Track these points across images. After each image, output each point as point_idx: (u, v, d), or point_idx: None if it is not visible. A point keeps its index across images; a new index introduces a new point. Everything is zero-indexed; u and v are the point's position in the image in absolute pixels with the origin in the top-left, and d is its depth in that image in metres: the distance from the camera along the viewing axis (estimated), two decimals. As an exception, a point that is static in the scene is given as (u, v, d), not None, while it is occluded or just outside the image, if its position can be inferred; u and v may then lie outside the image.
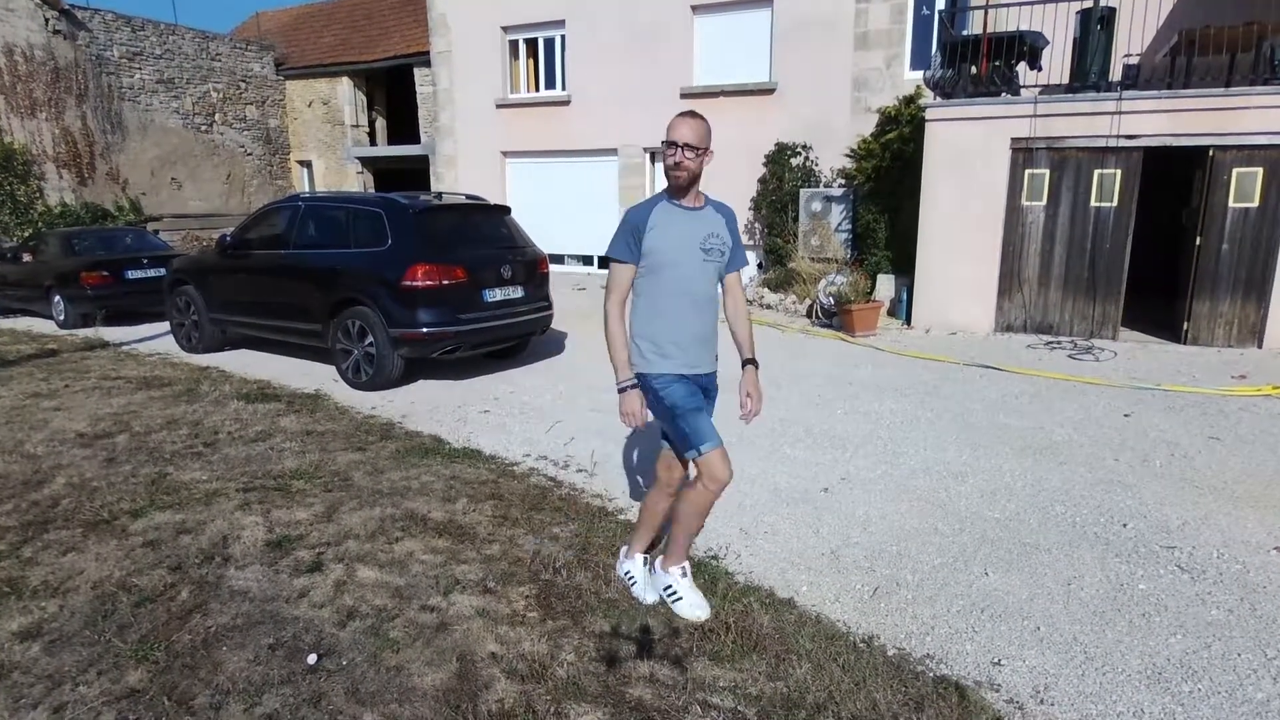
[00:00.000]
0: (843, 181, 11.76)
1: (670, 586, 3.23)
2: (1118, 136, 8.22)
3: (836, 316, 9.51)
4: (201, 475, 4.77)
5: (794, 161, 12.36)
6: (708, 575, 3.53)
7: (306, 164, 20.31)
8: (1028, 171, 8.74)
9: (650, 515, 3.31)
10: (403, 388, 7.03)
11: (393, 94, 20.33)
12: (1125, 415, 5.96)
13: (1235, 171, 7.96)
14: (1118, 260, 8.52)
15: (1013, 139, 8.71)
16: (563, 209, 15.50)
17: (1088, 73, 8.49)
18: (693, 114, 2.87)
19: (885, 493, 4.55)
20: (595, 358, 7.89)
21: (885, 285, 10.24)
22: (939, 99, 9.20)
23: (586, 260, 15.88)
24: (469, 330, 6.90)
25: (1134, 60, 8.98)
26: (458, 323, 6.83)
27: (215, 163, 18.61)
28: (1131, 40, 9.13)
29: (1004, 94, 8.93)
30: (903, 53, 11.96)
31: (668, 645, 3.00)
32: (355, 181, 19.67)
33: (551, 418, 6.07)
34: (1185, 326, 8.38)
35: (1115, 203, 8.42)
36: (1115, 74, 8.75)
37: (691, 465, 3.05)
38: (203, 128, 18.24)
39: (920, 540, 3.94)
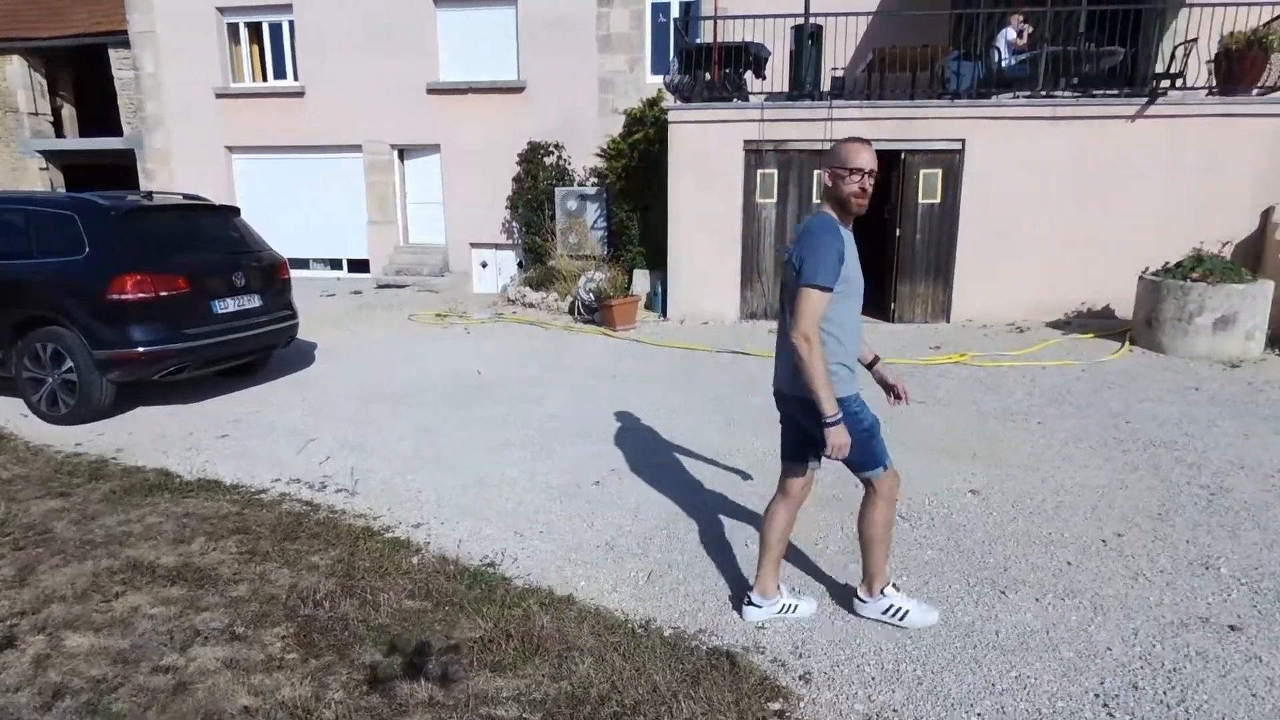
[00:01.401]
0: (596, 180, 12.08)
1: (891, 606, 3.15)
2: (830, 141, 9.24)
3: (598, 312, 9.75)
4: None
5: (548, 160, 12.47)
6: (484, 584, 3.44)
7: (-32, 158, 16.89)
8: (759, 171, 9.55)
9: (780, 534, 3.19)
10: (116, 418, 6.09)
11: (84, 78, 17.52)
12: (851, 388, 6.72)
13: (922, 172, 9.29)
14: (837, 251, 9.58)
15: (745, 141, 9.46)
16: (303, 209, 14.35)
17: (803, 82, 9.44)
18: (867, 141, 2.84)
19: (654, 479, 4.73)
20: (349, 367, 7.40)
21: (641, 280, 10.67)
22: (678, 102, 9.75)
23: (335, 264, 14.84)
24: (196, 347, 6.14)
25: (840, 73, 10.14)
26: (182, 339, 6.04)
27: None
28: (837, 55, 10.30)
29: (735, 99, 9.67)
30: (644, 57, 12.53)
31: (446, 664, 2.87)
32: (39, 180, 16.71)
33: (303, 436, 5.58)
34: (892, 307, 9.64)
35: (832, 200, 9.46)
36: (826, 84, 9.82)
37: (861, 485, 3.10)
38: None
39: (688, 521, 4.14)
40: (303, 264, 14.32)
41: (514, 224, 13.00)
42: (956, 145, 9.15)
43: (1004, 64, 9.47)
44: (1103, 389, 6.60)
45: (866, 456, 2.96)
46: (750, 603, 3.21)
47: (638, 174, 10.99)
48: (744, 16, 9.76)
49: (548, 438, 5.49)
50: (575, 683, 2.77)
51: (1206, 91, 8.98)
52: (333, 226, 14.36)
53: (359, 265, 14.52)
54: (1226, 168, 8.72)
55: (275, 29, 14.08)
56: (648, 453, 5.20)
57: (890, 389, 3.25)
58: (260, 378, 7.22)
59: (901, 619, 3.13)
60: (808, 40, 9.36)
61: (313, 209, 14.37)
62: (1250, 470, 4.79)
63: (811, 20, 9.32)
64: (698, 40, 10.64)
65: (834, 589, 3.46)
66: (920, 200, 9.37)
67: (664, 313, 10.13)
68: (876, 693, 2.76)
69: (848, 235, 2.90)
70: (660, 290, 10.25)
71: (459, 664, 2.87)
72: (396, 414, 6.08)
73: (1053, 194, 9.05)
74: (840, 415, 2.78)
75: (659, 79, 11.53)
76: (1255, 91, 8.69)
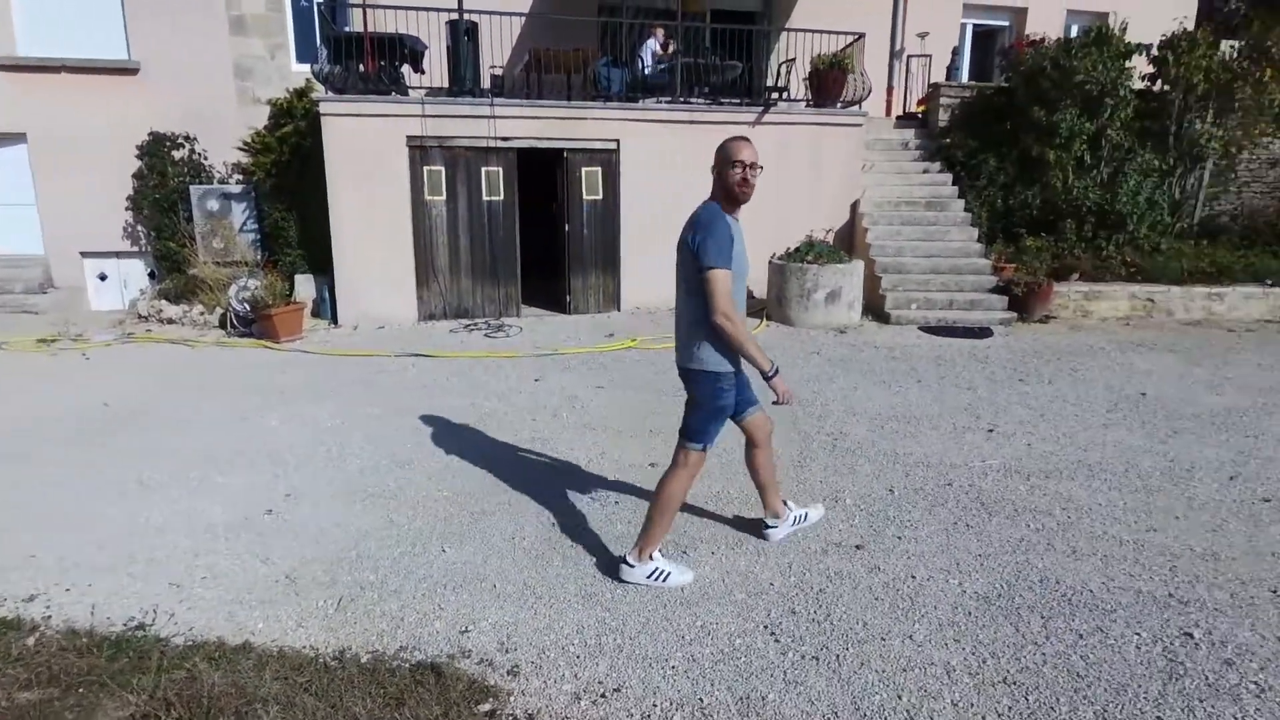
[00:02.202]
0: (241, 177, 10.81)
1: (657, 570, 3.38)
2: (495, 138, 9.32)
3: (256, 323, 8.77)
4: None
5: (177, 154, 10.87)
6: (132, 651, 2.92)
7: None
8: (426, 168, 9.30)
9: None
10: None
11: None
12: (536, 380, 6.87)
13: (583, 170, 9.78)
14: (510, 247, 9.72)
15: (408, 137, 9.14)
16: None
17: (464, 79, 9.38)
18: (745, 138, 3.19)
19: (335, 499, 4.38)
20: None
21: (306, 285, 9.82)
22: (331, 94, 9.10)
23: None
24: None
25: (499, 71, 10.26)
26: None
27: None
28: (495, 53, 10.39)
29: (394, 93, 9.29)
30: (286, 43, 11.46)
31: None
32: None
33: None
34: (568, 299, 10.05)
35: (502, 196, 9.56)
36: (487, 82, 9.86)
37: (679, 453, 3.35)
38: None
39: (378, 537, 3.91)
40: None
41: (140, 228, 11.14)
42: (612, 145, 9.77)
43: (648, 71, 10.32)
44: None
45: (702, 429, 3.30)
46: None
47: (290, 170, 10.06)
48: (395, 7, 9.40)
49: (205, 468, 4.81)
50: (260, 738, 2.46)
51: (805, 103, 10.66)
52: None
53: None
54: (825, 167, 10.45)
55: None
56: (326, 471, 4.81)
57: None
58: None
59: (664, 580, 3.38)
60: (464, 36, 9.31)
61: None
62: (859, 416, 5.82)
63: (466, 17, 9.28)
64: (346, 29, 10.02)
65: (543, 581, 3.51)
66: (585, 197, 9.86)
67: (335, 319, 9.43)
68: (582, 669, 2.85)
69: (735, 223, 3.18)
70: (328, 295, 9.52)
71: (104, 753, 2.40)
72: (-11, 466, 4.88)
73: (697, 190, 10.01)
74: (777, 367, 3.20)
75: (306, 68, 10.65)
76: (839, 104, 10.52)
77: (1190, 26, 11.16)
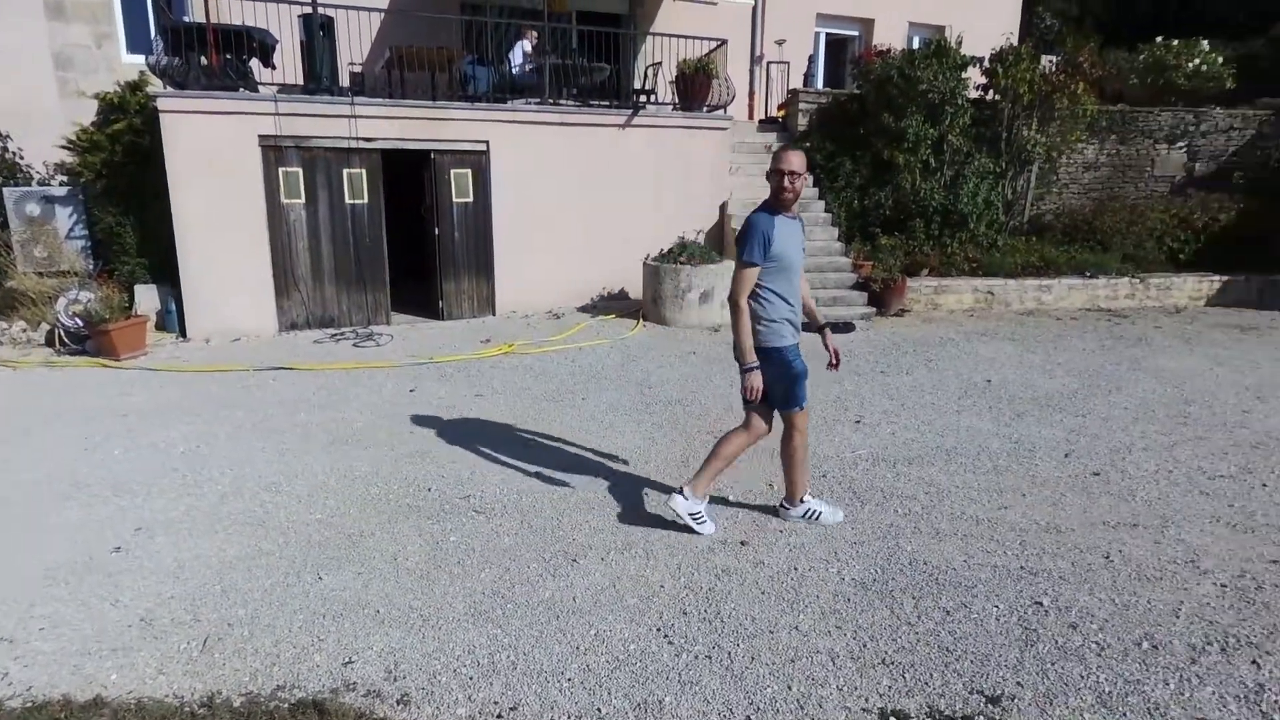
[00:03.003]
0: (65, 178, 9.79)
1: (810, 509, 4.10)
2: (357, 139, 8.91)
3: (90, 340, 7.98)
4: None
5: (-14, 153, 9.71)
6: (-42, 721, 2.58)
7: None
8: (282, 169, 8.77)
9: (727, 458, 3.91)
10: None
11: None
12: (411, 390, 6.64)
13: (452, 172, 9.53)
14: (378, 252, 9.34)
15: (261, 136, 8.58)
16: None
17: (320, 76, 8.91)
18: (793, 148, 3.74)
19: (196, 529, 4.06)
20: None
21: (148, 296, 9.02)
22: (170, 88, 8.41)
23: None
24: None
25: (358, 69, 9.83)
26: None
27: None
28: (353, 49, 9.93)
29: (242, 89, 8.70)
30: (115, 32, 10.52)
31: None
32: None
33: None
34: (441, 305, 9.77)
35: (367, 199, 9.16)
36: (346, 80, 9.42)
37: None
38: None
39: (245, 568, 3.66)
40: None
41: (-58, 235, 9.88)
42: (481, 146, 9.58)
43: (516, 72, 10.18)
44: (628, 362, 7.60)
45: (790, 397, 3.80)
46: (681, 494, 3.90)
47: (125, 171, 9.20)
48: (240, -3, 8.80)
49: (38, 506, 4.33)
50: (119, 803, 2.24)
51: (672, 106, 10.86)
52: None
53: None
54: (694, 169, 10.69)
55: None
56: (183, 499, 4.44)
57: (832, 353, 4.03)
58: None
59: (817, 519, 4.05)
60: (319, 31, 8.85)
61: None
62: (736, 414, 5.97)
63: (322, 11, 8.82)
64: (185, 19, 9.29)
65: (429, 602, 3.39)
66: (454, 199, 9.61)
67: (183, 332, 8.73)
68: (476, 691, 2.79)
69: (783, 222, 3.66)
70: (175, 307, 8.80)
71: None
72: None
73: (570, 191, 10.07)
74: (755, 364, 3.63)
75: (139, 59, 9.80)
76: (705, 108, 10.78)
77: (1015, 41, 12.20)
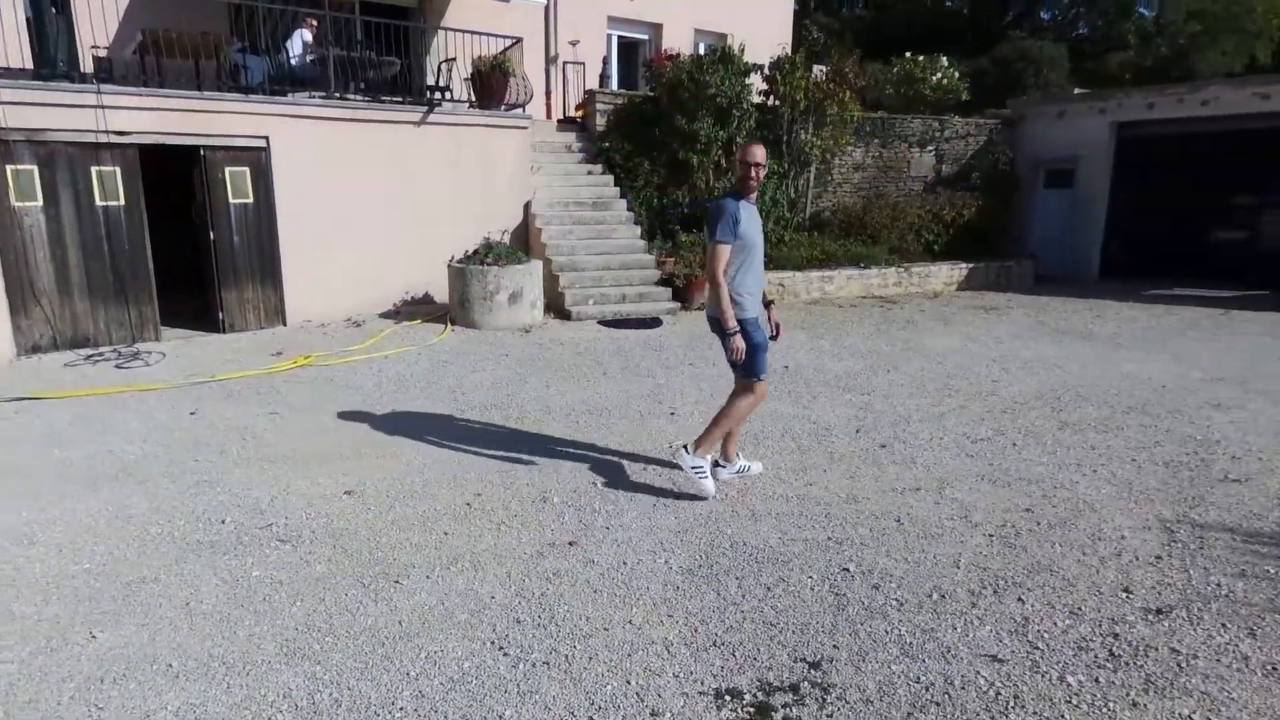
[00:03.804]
0: None
1: (698, 465, 4.34)
2: (108, 132, 7.84)
3: None
4: None
5: None
6: None
7: None
8: (11, 168, 7.52)
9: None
10: None
11: None
12: (192, 413, 5.97)
13: (228, 170, 8.68)
14: (141, 260, 8.29)
15: (-21, 128, 7.31)
16: None
17: (54, 60, 7.74)
18: (759, 143, 4.42)
19: (-81, 598, 3.38)
20: None
21: None
22: None
23: None
24: None
25: (104, 53, 8.66)
26: None
27: None
28: (95, 32, 8.72)
29: (-50, 72, 7.36)
30: None
31: None
32: None
33: None
34: (221, 316, 8.87)
35: (123, 201, 8.10)
36: (88, 65, 8.26)
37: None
38: None
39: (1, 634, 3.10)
40: None
41: None
42: (261, 142, 8.80)
43: (295, 62, 9.46)
44: (438, 368, 7.34)
45: (749, 367, 4.24)
46: (686, 450, 4.38)
47: None
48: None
49: None
50: None
51: (469, 104, 10.60)
52: None
53: None
54: (496, 169, 10.51)
55: None
56: (-100, 564, 3.68)
57: (773, 326, 4.52)
58: None
59: (701, 477, 4.34)
60: (51, 8, 7.67)
61: None
62: (555, 413, 5.97)
63: (51, -16, 7.66)
64: None
65: (233, 646, 3.05)
66: (232, 200, 8.76)
67: (-116, 362, 7.25)
68: (296, 738, 2.55)
69: (745, 206, 4.16)
70: None
71: None
72: None
73: (365, 191, 9.53)
74: (737, 329, 4.10)
75: None
76: (504, 107, 10.63)
77: (790, 51, 13.18)
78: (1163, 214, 14.25)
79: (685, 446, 4.42)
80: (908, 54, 15.06)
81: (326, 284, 9.40)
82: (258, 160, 8.84)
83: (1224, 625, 3.17)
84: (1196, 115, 12.30)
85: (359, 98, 9.67)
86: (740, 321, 4.15)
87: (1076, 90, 16.89)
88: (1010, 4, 25.53)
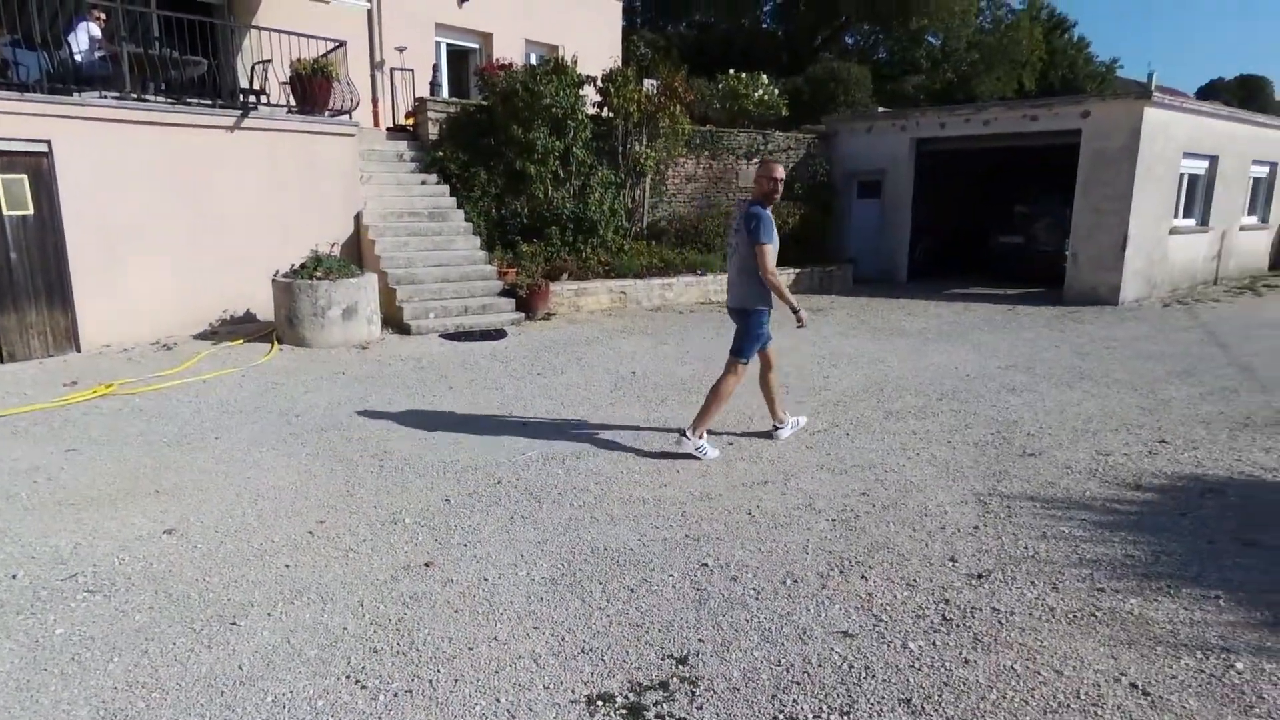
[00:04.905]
0: None
1: (701, 446, 5.12)
2: None
3: None
4: None
5: None
6: None
7: None
8: None
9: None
10: None
11: None
12: (-34, 456, 5.18)
13: (2, 179, 7.62)
14: (-111, 282, 7.10)
15: None
16: None
17: None
18: (777, 161, 5.75)
19: None
20: None
21: None
22: None
23: None
24: None
25: None
26: None
27: None
28: None
29: None
30: None
31: None
32: None
33: None
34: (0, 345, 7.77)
35: None
36: None
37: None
38: None
39: None
40: None
41: None
42: (41, 147, 7.80)
43: (81, 59, 8.48)
44: (267, 390, 6.82)
45: (747, 349, 5.12)
46: (685, 434, 5.13)
47: None
48: None
49: None
50: None
51: (288, 109, 9.96)
52: None
53: None
54: (322, 178, 9.94)
55: None
56: None
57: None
58: None
59: (704, 454, 5.07)
60: None
61: None
62: (399, 432, 5.72)
63: None
64: None
65: (36, 716, 2.66)
66: (6, 212, 7.70)
67: None
68: (123, 809, 2.26)
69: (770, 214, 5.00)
70: None
71: None
72: None
73: (173, 202, 8.69)
74: (800, 308, 5.17)
75: None
76: (328, 113, 10.08)
77: (620, 64, 13.44)
78: (957, 221, 15.89)
79: (683, 431, 5.14)
80: (731, 71, 15.81)
81: (129, 304, 8.48)
82: (38, 166, 7.84)
83: (1032, 583, 3.56)
84: (980, 133, 13.79)
85: (160, 99, 8.82)
86: (758, 311, 5.07)
87: (880, 109, 18.45)
88: (819, 28, 27.48)
